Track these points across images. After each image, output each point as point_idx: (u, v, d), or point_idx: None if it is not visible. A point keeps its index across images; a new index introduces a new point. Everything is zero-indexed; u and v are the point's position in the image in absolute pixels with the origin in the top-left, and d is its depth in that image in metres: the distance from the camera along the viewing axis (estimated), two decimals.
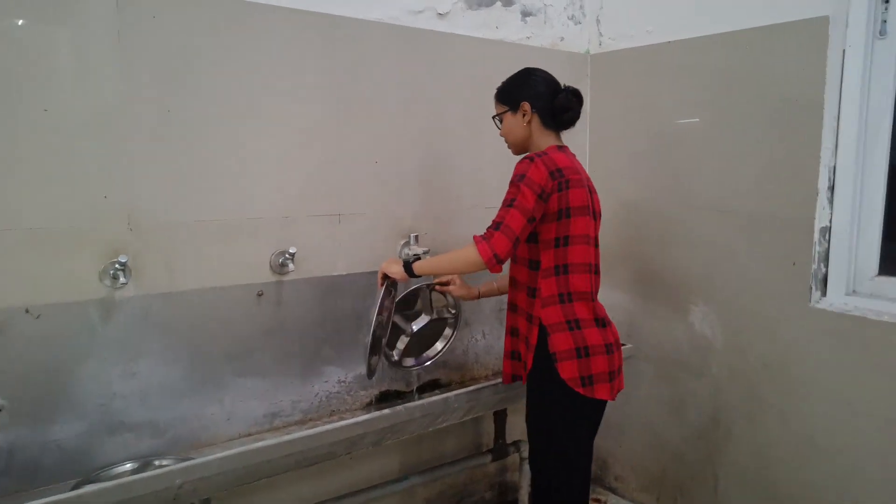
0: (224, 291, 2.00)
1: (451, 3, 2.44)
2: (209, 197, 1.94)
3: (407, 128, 2.36)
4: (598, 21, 2.86)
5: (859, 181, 2.13)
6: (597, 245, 1.93)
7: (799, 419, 2.24)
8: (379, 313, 2.03)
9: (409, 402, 2.07)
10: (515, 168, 1.81)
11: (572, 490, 1.92)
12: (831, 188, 2.16)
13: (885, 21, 2.07)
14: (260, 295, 2.07)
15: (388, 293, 2.05)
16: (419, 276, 1.95)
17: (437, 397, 2.10)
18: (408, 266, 1.92)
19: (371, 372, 2.14)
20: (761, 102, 2.28)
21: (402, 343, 2.36)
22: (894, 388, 2.00)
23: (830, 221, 2.17)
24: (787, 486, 2.29)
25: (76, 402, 1.77)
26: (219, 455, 1.66)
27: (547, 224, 1.81)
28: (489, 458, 2.68)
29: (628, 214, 2.77)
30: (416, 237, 2.38)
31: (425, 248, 2.33)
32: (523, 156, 1.84)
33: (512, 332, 2.00)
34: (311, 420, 2.24)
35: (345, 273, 2.25)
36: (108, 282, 1.77)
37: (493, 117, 2.01)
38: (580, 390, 1.81)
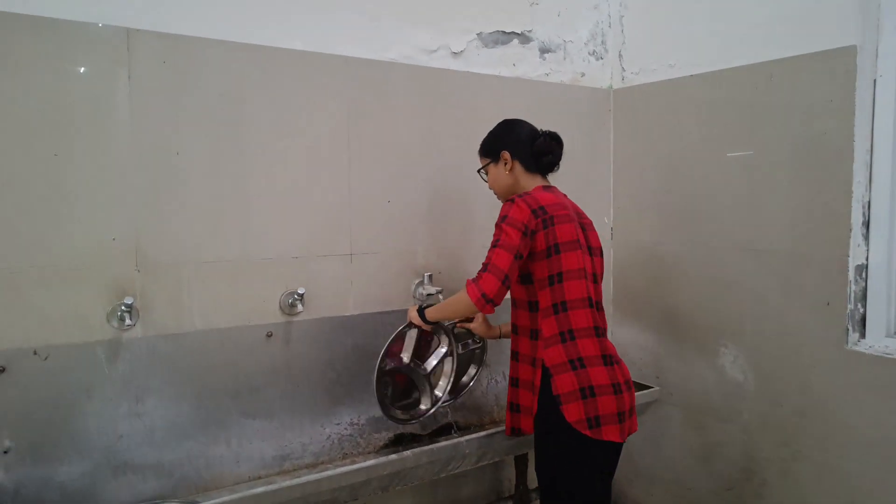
0: (232, 332, 2.00)
1: (466, 42, 2.44)
2: (217, 237, 1.96)
3: (421, 167, 2.35)
4: (620, 56, 2.81)
5: None
6: (596, 281, 1.90)
7: (838, 474, 2.09)
8: (389, 356, 2.06)
9: (424, 445, 2.02)
10: (500, 211, 1.85)
11: None
12: (866, 224, 2.04)
13: None
14: (269, 336, 2.07)
15: (413, 335, 2.09)
16: (433, 322, 2.01)
17: (445, 443, 2.04)
18: (421, 312, 1.99)
19: (393, 417, 2.12)
20: (789, 136, 2.18)
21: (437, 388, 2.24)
22: None
23: (867, 259, 2.05)
24: None
25: (82, 443, 1.78)
26: (216, 500, 1.64)
27: (538, 262, 1.81)
28: None
29: (653, 252, 2.68)
30: (430, 276, 2.34)
31: (438, 288, 2.30)
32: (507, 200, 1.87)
33: (513, 382, 1.96)
34: (322, 463, 2.20)
35: (356, 313, 2.23)
36: (115, 323, 1.80)
37: (478, 171, 2.06)
38: (587, 433, 1.74)
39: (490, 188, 2.04)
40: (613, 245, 2.87)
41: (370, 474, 1.88)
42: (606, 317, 2.80)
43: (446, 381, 2.25)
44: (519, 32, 2.58)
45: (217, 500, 1.64)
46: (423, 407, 2.20)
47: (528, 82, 2.59)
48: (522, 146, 1.94)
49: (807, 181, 2.14)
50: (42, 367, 1.72)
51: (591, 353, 1.79)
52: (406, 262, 2.33)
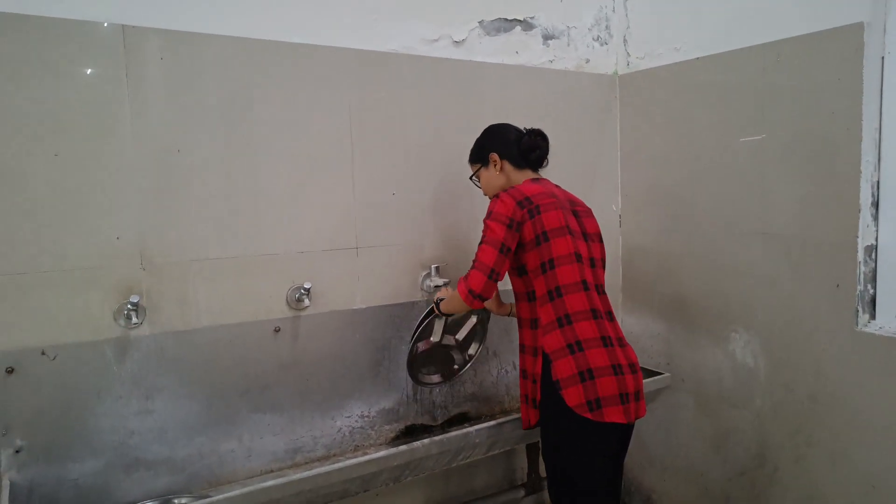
0: (240, 328, 2.00)
1: (468, 30, 2.42)
2: (222, 234, 1.96)
3: (426, 158, 2.33)
4: (625, 41, 2.78)
5: None
6: (594, 265, 1.91)
7: (851, 458, 2.06)
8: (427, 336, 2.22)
9: (434, 436, 2.02)
10: (487, 209, 1.89)
11: None
12: (875, 204, 2.01)
13: None
14: (277, 331, 2.07)
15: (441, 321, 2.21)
16: (445, 314, 2.12)
17: (455, 432, 2.04)
18: (437, 305, 2.10)
19: (416, 379, 2.27)
20: (797, 117, 2.15)
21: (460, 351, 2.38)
22: None
23: (876, 240, 2.02)
24: None
25: (93, 441, 1.80)
26: (226, 495, 1.65)
27: (529, 252, 1.84)
28: (522, 492, 2.59)
29: (663, 239, 2.66)
30: (437, 268, 2.34)
31: (446, 280, 2.29)
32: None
33: (522, 374, 1.97)
34: (333, 455, 2.21)
35: (364, 307, 2.23)
36: (122, 321, 1.81)
37: (470, 178, 2.12)
38: (588, 415, 1.75)
39: (484, 194, 2.08)
40: (622, 233, 2.85)
41: (381, 465, 1.88)
42: (616, 304, 2.81)
43: (477, 344, 2.40)
44: (521, 19, 2.56)
45: (229, 494, 1.65)
46: (456, 366, 2.38)
47: (531, 70, 2.57)
48: (509, 146, 2.00)
49: (815, 162, 2.11)
50: (51, 366, 1.73)
51: (589, 335, 1.80)
52: (413, 254, 2.33)
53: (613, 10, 2.80)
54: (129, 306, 1.78)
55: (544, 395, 1.83)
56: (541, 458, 2.50)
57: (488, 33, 2.47)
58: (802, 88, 2.13)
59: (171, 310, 1.89)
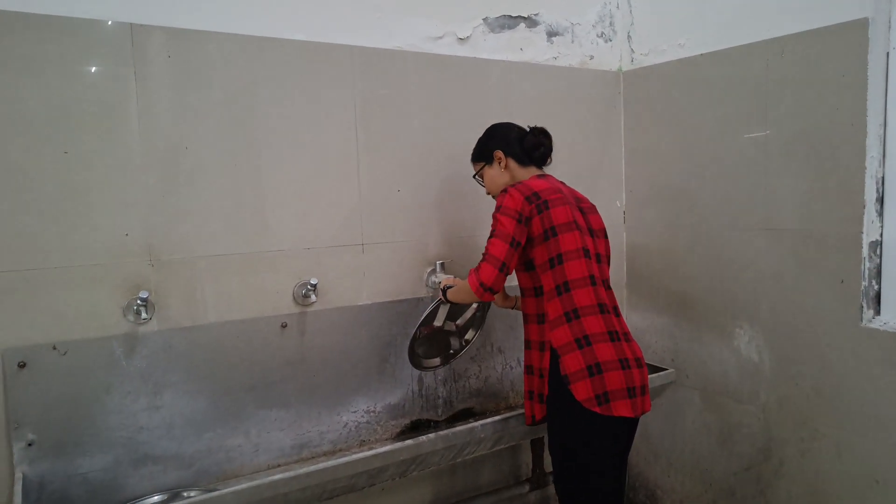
0: (247, 324, 2.02)
1: (472, 28, 2.43)
2: (229, 230, 1.98)
3: (430, 155, 2.35)
4: (629, 37, 2.79)
5: None
6: (600, 261, 1.92)
7: (856, 452, 2.07)
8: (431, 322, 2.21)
9: (440, 431, 2.03)
10: (496, 203, 1.89)
11: None
12: (880, 200, 2.01)
13: None
14: (284, 326, 2.09)
15: (445, 307, 2.21)
16: (451, 302, 2.09)
17: (460, 427, 2.05)
18: (444, 292, 2.08)
19: (418, 365, 2.30)
20: (802, 112, 2.15)
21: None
22: None
23: (881, 235, 2.02)
24: None
25: (102, 436, 1.82)
26: (234, 488, 1.66)
27: (537, 247, 1.84)
28: (527, 487, 2.61)
29: (667, 234, 2.67)
30: (442, 264, 2.35)
31: (450, 276, 2.30)
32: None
33: (527, 370, 1.98)
34: (340, 450, 2.23)
35: (369, 303, 2.24)
36: (131, 317, 1.83)
37: (474, 177, 2.12)
38: (597, 410, 1.76)
39: (488, 193, 2.09)
40: (626, 229, 2.85)
41: (387, 460, 1.89)
42: (621, 300, 2.82)
43: (474, 330, 2.42)
44: (525, 16, 2.56)
45: (237, 488, 1.66)
46: (452, 351, 2.40)
47: (536, 67, 2.58)
48: (513, 144, 2.01)
49: (820, 158, 2.11)
50: (61, 361, 1.75)
51: (596, 329, 1.81)
52: (418, 250, 2.34)
53: (617, 7, 2.80)
54: (138, 302, 1.80)
55: (552, 389, 1.84)
56: (545, 454, 2.52)
57: (493, 30, 2.48)
58: (807, 84, 2.13)
59: (178, 306, 1.91)
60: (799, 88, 2.15)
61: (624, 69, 2.81)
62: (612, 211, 2.80)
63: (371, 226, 2.24)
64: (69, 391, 1.77)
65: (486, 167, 2.05)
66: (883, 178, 2.00)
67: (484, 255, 1.84)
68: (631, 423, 1.86)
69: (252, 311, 2.03)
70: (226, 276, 1.98)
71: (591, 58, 2.75)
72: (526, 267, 1.90)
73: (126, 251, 1.82)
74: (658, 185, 2.69)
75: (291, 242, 2.09)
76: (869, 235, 2.01)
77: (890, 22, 1.96)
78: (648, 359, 2.70)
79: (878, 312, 2.04)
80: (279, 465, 2.12)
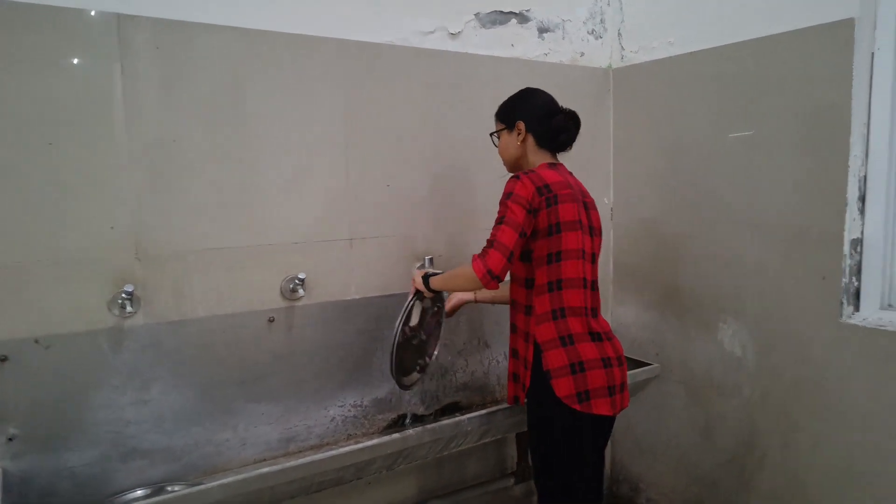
0: (234, 318, 2.02)
1: (464, 23, 2.43)
2: (217, 224, 1.97)
3: (420, 150, 2.35)
4: (619, 35, 2.80)
5: (892, 190, 2.01)
6: (594, 261, 1.91)
7: (835, 444, 2.11)
8: (406, 323, 2.07)
9: (426, 424, 2.05)
10: (504, 187, 1.83)
11: None
12: (862, 198, 2.04)
13: None
14: (271, 321, 2.09)
15: (423, 306, 2.11)
16: (434, 291, 2.02)
17: (447, 421, 2.07)
18: (426, 280, 2.01)
19: (403, 385, 2.18)
20: (788, 111, 2.17)
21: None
22: None
23: (862, 233, 2.05)
24: None
25: (88, 430, 1.81)
26: (221, 481, 1.67)
27: (539, 241, 1.82)
28: (512, 480, 2.63)
29: (655, 230, 2.69)
30: (431, 259, 2.35)
31: (440, 270, 2.30)
32: (511, 175, 1.86)
33: (513, 353, 1.98)
34: (327, 444, 2.23)
35: (358, 297, 2.25)
36: (116, 311, 1.82)
37: (491, 134, 2.05)
38: (577, 407, 1.77)
39: (500, 154, 2.03)
40: (613, 225, 2.87)
41: (374, 453, 1.90)
42: (607, 295, 2.84)
43: (437, 343, 2.28)
44: (517, 12, 2.56)
45: (224, 481, 1.67)
46: (425, 358, 2.26)
47: (526, 63, 2.58)
48: (539, 120, 1.92)
49: (805, 156, 2.14)
50: (44, 356, 1.74)
51: (580, 330, 1.82)
52: (407, 245, 2.34)
53: (608, 4, 2.81)
54: (123, 296, 1.79)
55: (534, 383, 1.85)
56: None
57: (484, 26, 2.48)
58: (793, 83, 2.15)
59: (165, 300, 1.90)
60: (785, 88, 2.17)
61: (614, 66, 2.82)
62: (600, 207, 2.77)
63: (359, 220, 2.24)
64: (54, 385, 1.76)
65: (506, 131, 1.97)
66: (865, 176, 2.03)
67: (491, 241, 1.77)
68: (610, 420, 1.88)
69: (240, 306, 2.03)
70: (213, 271, 1.97)
71: (582, 54, 2.76)
72: (522, 257, 1.87)
73: (112, 245, 1.81)
74: (646, 181, 2.71)
75: (279, 237, 2.09)
76: (851, 233, 2.05)
77: (875, 23, 1.98)
78: (634, 353, 2.75)
79: (857, 309, 2.07)
80: (266, 459, 2.12)
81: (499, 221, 1.79)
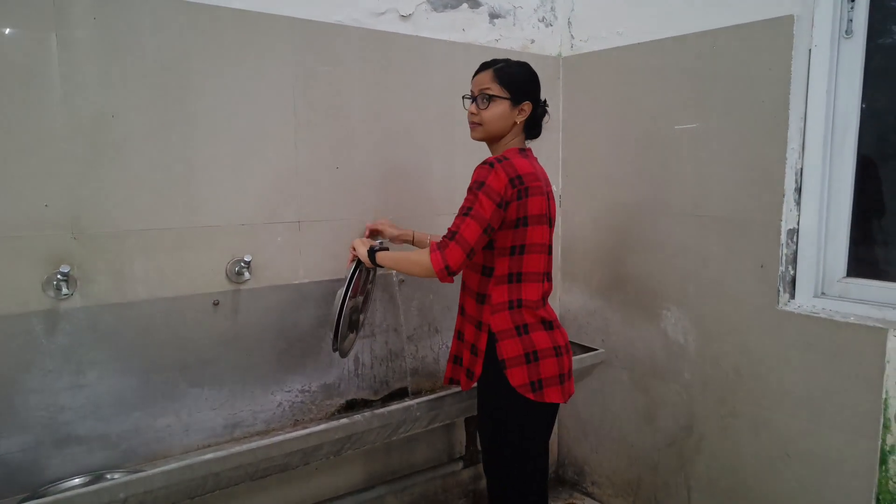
0: (177, 301, 1.96)
1: (415, 5, 2.41)
2: (159, 204, 1.91)
3: (370, 132, 2.32)
4: (569, 23, 2.82)
5: (827, 182, 2.10)
6: (550, 253, 1.90)
7: (770, 427, 2.20)
8: (352, 292, 2.00)
9: (375, 410, 2.04)
10: (475, 173, 1.76)
11: (529, 494, 1.89)
12: (798, 190, 2.12)
13: (851, 20, 2.03)
14: (216, 304, 2.04)
15: (363, 273, 2.06)
16: (379, 266, 1.98)
17: (395, 406, 2.06)
18: (372, 254, 1.96)
19: (343, 352, 2.14)
20: (731, 104, 2.24)
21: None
22: (858, 392, 1.96)
23: (798, 223, 2.13)
24: (758, 497, 2.24)
25: (21, 416, 1.73)
26: (162, 468, 1.62)
27: (504, 231, 1.78)
28: (461, 465, 2.65)
29: (602, 219, 2.74)
30: (382, 243, 2.33)
31: (387, 246, 2.29)
32: (483, 160, 1.79)
33: (458, 335, 1.98)
34: (273, 430, 2.20)
35: (306, 281, 2.21)
36: (51, 293, 1.74)
37: (482, 91, 1.82)
38: (531, 396, 1.78)
39: (476, 115, 1.84)
40: (562, 213, 2.91)
41: (322, 439, 1.89)
42: (555, 282, 2.87)
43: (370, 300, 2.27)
44: None
45: (165, 468, 1.63)
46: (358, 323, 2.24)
47: (477, 48, 2.58)
48: (535, 106, 1.87)
49: (746, 148, 2.20)
50: None
51: (533, 319, 1.82)
52: (357, 229, 2.31)
53: None
54: (58, 277, 1.72)
55: (487, 372, 1.84)
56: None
57: (435, 9, 2.47)
58: (735, 77, 2.22)
59: (105, 281, 1.83)
60: (728, 81, 2.24)
61: (564, 54, 2.85)
62: None
63: (309, 203, 2.20)
64: None
65: (508, 102, 1.81)
66: (802, 169, 2.11)
67: (453, 233, 1.72)
68: (558, 407, 1.91)
69: (184, 288, 1.97)
70: (156, 252, 1.91)
71: (532, 41, 2.77)
72: (484, 245, 1.80)
73: (47, 223, 1.73)
74: (593, 170, 2.75)
75: (225, 218, 2.03)
76: (787, 223, 2.12)
77: (813, 20, 2.06)
78: (580, 339, 2.80)
79: (793, 296, 2.16)
80: (211, 446, 2.08)
81: (465, 212, 1.72)
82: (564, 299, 2.94)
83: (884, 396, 1.91)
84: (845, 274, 2.09)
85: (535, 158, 1.91)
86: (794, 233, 2.13)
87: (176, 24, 1.89)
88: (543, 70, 2.76)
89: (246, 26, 2.01)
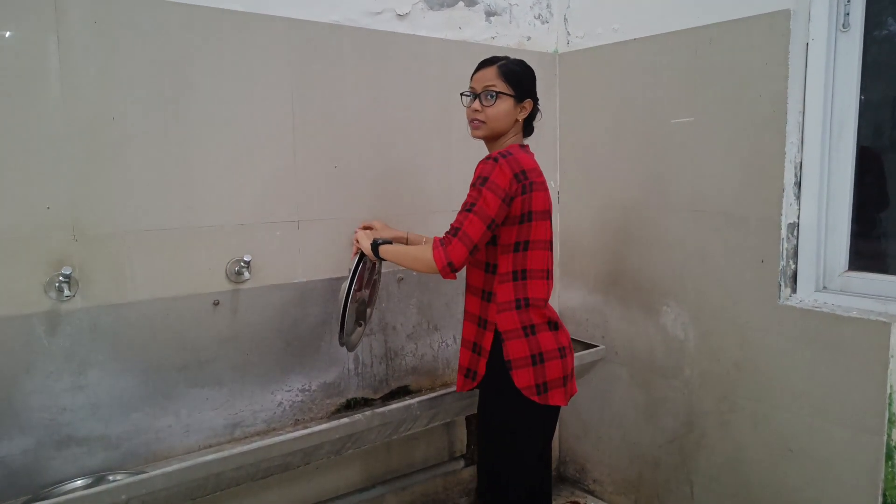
0: (177, 301, 1.96)
1: (411, 4, 2.41)
2: (159, 205, 1.91)
3: (369, 131, 2.32)
4: (565, 19, 2.82)
5: (826, 176, 2.10)
6: (551, 249, 1.89)
7: (771, 423, 2.20)
8: (356, 285, 2.00)
9: (375, 409, 2.04)
10: (478, 168, 1.75)
11: (528, 497, 1.88)
12: (798, 184, 2.12)
13: (848, 14, 2.03)
14: (216, 304, 2.04)
15: (367, 266, 2.05)
16: (382, 259, 1.97)
17: (396, 405, 2.07)
18: (375, 247, 1.95)
19: (351, 345, 2.14)
20: (728, 99, 2.24)
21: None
22: (862, 387, 1.95)
23: (798, 217, 2.13)
24: (760, 493, 2.24)
25: (22, 417, 1.73)
26: (164, 470, 1.63)
27: (508, 227, 1.76)
28: (462, 463, 2.65)
29: (600, 215, 2.74)
30: (380, 242, 2.33)
31: (390, 239, 2.28)
32: (486, 156, 1.78)
33: (465, 343, 1.93)
34: (273, 430, 2.20)
35: (305, 280, 2.21)
36: (53, 294, 1.74)
37: (487, 88, 1.80)
38: (535, 398, 1.77)
39: (480, 115, 1.81)
40: (560, 209, 2.91)
41: (322, 439, 1.89)
42: (555, 279, 2.87)
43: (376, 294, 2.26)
44: None
45: (166, 470, 1.63)
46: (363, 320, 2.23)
47: (474, 46, 2.58)
48: (536, 103, 1.89)
49: (744, 142, 2.20)
50: None
51: (540, 320, 1.81)
52: (355, 227, 2.31)
53: None
54: (60, 278, 1.72)
55: (491, 371, 1.81)
56: None
57: (432, 7, 2.47)
58: (733, 72, 2.22)
59: (105, 282, 1.83)
60: (724, 76, 2.24)
61: (560, 51, 2.85)
62: None
63: (307, 202, 2.20)
64: None
65: (512, 100, 1.81)
66: (801, 163, 2.11)
67: (456, 229, 1.70)
68: (559, 409, 1.89)
69: (183, 289, 1.97)
70: (156, 252, 1.91)
71: (529, 39, 2.77)
72: (487, 241, 1.78)
73: (48, 225, 1.73)
74: (591, 167, 2.76)
75: (224, 218, 2.03)
76: (787, 217, 2.12)
77: (809, 14, 2.06)
78: (580, 335, 2.81)
79: (794, 291, 2.16)
80: (211, 446, 2.08)
81: (468, 208, 1.70)
82: (564, 295, 2.94)
83: (888, 391, 1.91)
84: (847, 268, 2.09)
85: (534, 155, 1.90)
86: (794, 227, 2.13)
87: (175, 26, 1.89)
88: (540, 67, 2.77)
89: (243, 27, 2.01)
